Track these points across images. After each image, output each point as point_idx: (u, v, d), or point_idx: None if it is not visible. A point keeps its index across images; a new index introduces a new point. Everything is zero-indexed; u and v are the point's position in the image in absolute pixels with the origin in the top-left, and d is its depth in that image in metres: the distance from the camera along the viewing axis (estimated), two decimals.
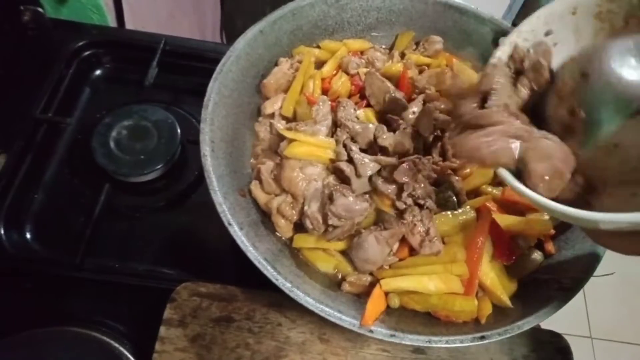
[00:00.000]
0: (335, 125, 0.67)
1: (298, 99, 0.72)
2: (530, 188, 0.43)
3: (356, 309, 0.57)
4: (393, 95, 0.69)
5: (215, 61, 0.67)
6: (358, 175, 0.62)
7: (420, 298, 0.60)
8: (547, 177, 0.43)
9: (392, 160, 0.61)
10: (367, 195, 0.63)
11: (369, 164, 0.62)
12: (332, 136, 0.67)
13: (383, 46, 0.84)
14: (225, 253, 0.79)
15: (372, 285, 0.61)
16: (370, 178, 0.63)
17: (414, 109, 0.68)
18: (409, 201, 0.60)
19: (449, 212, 0.63)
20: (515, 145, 0.44)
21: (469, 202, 0.65)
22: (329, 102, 0.70)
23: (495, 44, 0.80)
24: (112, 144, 0.83)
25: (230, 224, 0.57)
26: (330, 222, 0.59)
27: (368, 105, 0.72)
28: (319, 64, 0.78)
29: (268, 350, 0.66)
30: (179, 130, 0.86)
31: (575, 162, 0.44)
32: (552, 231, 0.66)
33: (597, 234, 0.46)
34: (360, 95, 0.74)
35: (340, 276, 0.64)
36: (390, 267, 0.62)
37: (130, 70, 0.96)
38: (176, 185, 0.86)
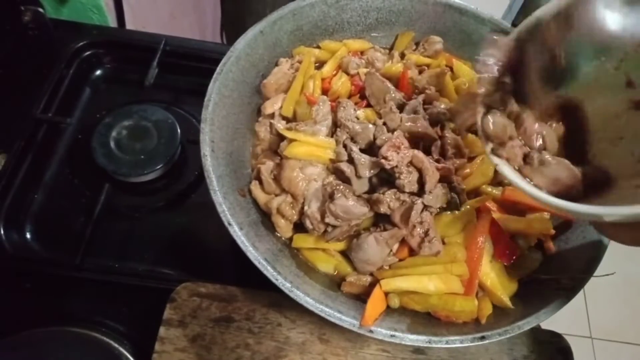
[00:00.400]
0: (335, 125, 0.67)
1: (298, 99, 0.72)
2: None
3: (356, 309, 0.57)
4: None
5: (215, 61, 0.67)
6: (358, 176, 0.62)
7: (420, 298, 0.59)
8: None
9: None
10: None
11: (368, 165, 0.62)
12: (332, 136, 0.67)
13: (383, 46, 0.84)
14: (225, 253, 0.79)
15: (372, 285, 0.60)
16: (370, 179, 0.63)
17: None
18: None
19: (449, 212, 0.63)
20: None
21: (469, 202, 0.65)
22: (329, 102, 0.70)
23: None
24: (112, 144, 0.83)
25: (230, 224, 0.57)
26: (327, 220, 0.59)
27: (368, 105, 0.72)
28: (319, 64, 0.78)
29: (268, 351, 0.66)
30: (179, 130, 0.86)
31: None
32: (552, 231, 0.66)
33: (602, 225, 0.47)
34: (360, 95, 0.74)
35: (340, 276, 0.64)
36: (390, 267, 0.62)
37: (130, 70, 0.96)
38: (176, 185, 0.86)
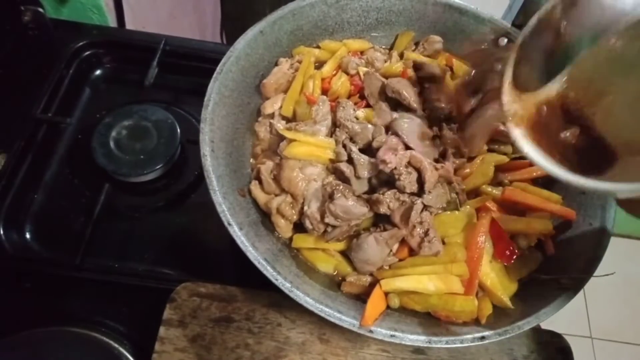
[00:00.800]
0: (335, 125, 0.67)
1: (298, 99, 0.72)
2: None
3: (356, 309, 0.57)
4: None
5: (215, 61, 0.67)
6: (357, 176, 0.62)
7: (420, 298, 0.59)
8: None
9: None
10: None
11: (367, 165, 0.62)
12: (331, 136, 0.67)
13: (383, 46, 0.84)
14: (225, 253, 0.79)
15: (372, 285, 0.60)
16: (370, 179, 0.63)
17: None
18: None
19: (449, 212, 0.63)
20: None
21: (469, 202, 0.65)
22: (329, 102, 0.70)
23: (496, 44, 0.80)
24: (112, 144, 0.83)
25: (230, 224, 0.57)
26: (326, 220, 0.59)
27: (367, 105, 0.72)
28: (319, 64, 0.78)
29: (268, 351, 0.66)
30: (179, 130, 0.86)
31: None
32: (552, 231, 0.66)
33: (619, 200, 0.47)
34: (360, 95, 0.74)
35: (340, 276, 0.64)
36: (390, 267, 0.62)
37: (130, 70, 0.96)
38: (176, 185, 0.86)
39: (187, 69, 0.97)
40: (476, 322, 0.59)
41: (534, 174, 0.71)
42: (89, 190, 0.82)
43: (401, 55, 0.82)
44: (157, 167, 0.83)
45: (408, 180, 0.59)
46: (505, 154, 0.72)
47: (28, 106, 0.85)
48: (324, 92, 0.74)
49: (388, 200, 0.59)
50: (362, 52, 0.82)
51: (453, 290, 0.59)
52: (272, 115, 0.72)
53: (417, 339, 0.55)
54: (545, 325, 0.66)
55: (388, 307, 0.60)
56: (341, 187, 0.61)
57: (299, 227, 0.65)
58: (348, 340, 0.68)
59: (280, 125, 0.70)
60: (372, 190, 0.63)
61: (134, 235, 0.80)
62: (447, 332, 0.57)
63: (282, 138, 0.67)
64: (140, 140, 0.84)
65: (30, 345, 0.67)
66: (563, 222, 0.68)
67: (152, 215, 0.83)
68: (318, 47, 0.80)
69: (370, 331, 0.55)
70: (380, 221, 0.62)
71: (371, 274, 0.62)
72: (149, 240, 0.80)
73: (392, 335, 0.55)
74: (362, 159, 0.62)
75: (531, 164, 0.72)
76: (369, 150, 0.65)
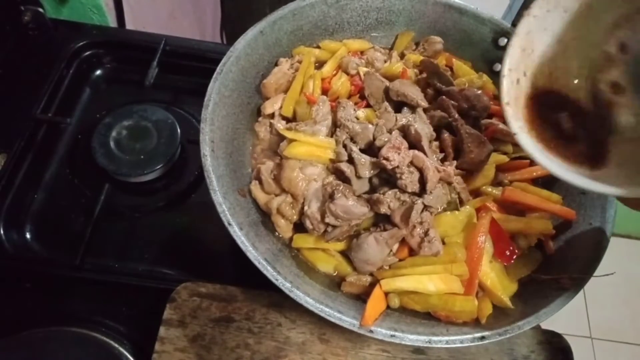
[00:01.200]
0: (335, 125, 0.67)
1: (298, 99, 0.72)
2: None
3: (356, 309, 0.57)
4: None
5: (215, 61, 0.67)
6: (358, 176, 0.62)
7: (420, 298, 0.59)
8: None
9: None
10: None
11: (368, 165, 0.62)
12: (331, 136, 0.67)
13: (383, 46, 0.84)
14: (225, 253, 0.79)
15: (372, 285, 0.60)
16: (370, 179, 0.63)
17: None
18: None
19: (449, 212, 0.63)
20: None
21: (469, 202, 0.65)
22: (329, 102, 0.70)
23: (496, 44, 0.80)
24: (112, 144, 0.83)
25: (230, 224, 0.57)
26: (327, 220, 0.59)
27: (368, 105, 0.72)
28: (319, 64, 0.78)
29: (268, 351, 0.66)
30: (179, 130, 0.86)
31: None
32: (552, 231, 0.66)
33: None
34: (360, 95, 0.74)
35: (340, 276, 0.64)
36: (390, 267, 0.62)
37: (130, 70, 0.96)
38: (176, 185, 0.86)
39: (187, 69, 0.97)
40: (476, 322, 0.59)
41: (534, 174, 0.71)
42: (89, 190, 0.82)
43: (401, 56, 0.82)
44: (157, 167, 0.83)
45: (410, 180, 0.59)
46: (505, 153, 0.72)
47: (28, 106, 0.85)
48: (324, 92, 0.74)
49: (389, 200, 0.59)
50: (362, 52, 0.82)
51: (453, 290, 0.59)
52: (272, 115, 0.72)
53: (417, 339, 0.55)
54: (545, 325, 0.66)
55: (388, 307, 0.60)
56: (341, 187, 0.61)
57: (299, 227, 0.65)
58: (348, 340, 0.68)
59: (280, 125, 0.70)
60: (372, 190, 0.63)
61: (134, 235, 0.80)
62: (447, 332, 0.57)
63: (282, 138, 0.67)
64: (140, 140, 0.84)
65: (30, 345, 0.67)
66: (563, 222, 0.68)
67: (152, 215, 0.83)
68: (318, 47, 0.80)
69: (371, 331, 0.55)
70: (381, 221, 0.62)
71: (371, 274, 0.62)
72: (149, 240, 0.80)
73: (392, 335, 0.55)
74: (362, 159, 0.62)
75: (531, 164, 0.72)
76: (369, 150, 0.65)
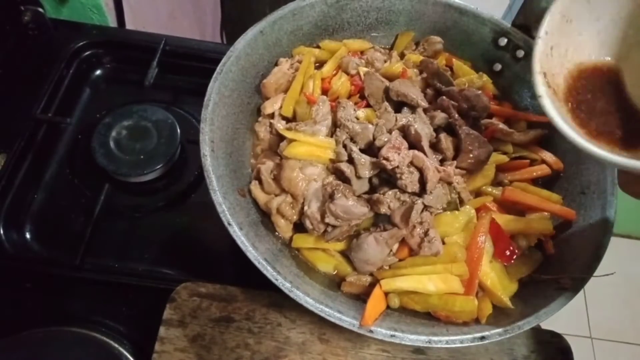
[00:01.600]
0: (335, 125, 0.67)
1: (298, 99, 0.72)
2: None
3: (356, 309, 0.57)
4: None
5: (215, 61, 0.67)
6: (358, 176, 0.62)
7: (420, 298, 0.59)
8: None
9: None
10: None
11: (368, 165, 0.62)
12: (331, 136, 0.67)
13: (383, 46, 0.84)
14: (225, 253, 0.79)
15: (372, 285, 0.60)
16: (370, 179, 0.63)
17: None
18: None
19: (449, 212, 0.63)
20: None
21: (469, 202, 0.65)
22: (329, 102, 0.70)
23: (496, 44, 0.80)
24: (112, 144, 0.83)
25: (230, 224, 0.57)
26: (327, 220, 0.59)
27: (368, 105, 0.72)
28: (319, 64, 0.78)
29: (268, 351, 0.66)
30: (178, 130, 0.86)
31: None
32: (552, 231, 0.66)
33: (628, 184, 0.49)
34: (360, 95, 0.74)
35: (340, 276, 0.64)
36: (390, 267, 0.62)
37: (130, 70, 0.96)
38: (176, 185, 0.86)
39: (187, 69, 0.97)
40: (476, 322, 0.59)
41: (534, 174, 0.71)
42: (89, 190, 0.82)
43: (401, 56, 0.82)
44: (157, 167, 0.83)
45: (410, 180, 0.59)
46: (505, 153, 0.72)
47: (28, 106, 0.85)
48: (324, 92, 0.74)
49: (389, 201, 0.59)
50: (362, 52, 0.81)
51: (453, 290, 0.59)
52: (272, 115, 0.72)
53: (417, 339, 0.55)
54: (545, 325, 0.66)
55: (388, 307, 0.60)
56: (341, 187, 0.61)
57: (299, 227, 0.65)
58: (348, 340, 0.68)
59: (280, 125, 0.70)
60: (372, 190, 0.63)
61: (134, 235, 0.80)
62: (447, 332, 0.57)
63: (282, 138, 0.67)
64: (140, 140, 0.84)
65: (30, 345, 0.67)
66: (563, 222, 0.68)
67: (152, 215, 0.83)
68: (318, 47, 0.80)
69: (371, 331, 0.55)
70: (380, 221, 0.62)
71: (371, 274, 0.62)
72: (149, 240, 0.80)
73: (392, 335, 0.55)
74: (362, 159, 0.62)
75: (531, 164, 0.72)
76: (369, 150, 0.65)
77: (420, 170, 0.60)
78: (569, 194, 0.70)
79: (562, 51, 0.51)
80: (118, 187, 0.83)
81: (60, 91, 0.90)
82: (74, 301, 0.74)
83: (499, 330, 0.56)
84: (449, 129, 0.68)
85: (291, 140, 0.65)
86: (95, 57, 0.97)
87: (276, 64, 0.76)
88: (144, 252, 0.78)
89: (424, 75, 0.75)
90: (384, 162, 0.59)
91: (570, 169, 0.71)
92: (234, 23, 1.75)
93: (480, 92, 0.70)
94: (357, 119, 0.68)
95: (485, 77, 0.79)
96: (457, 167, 0.65)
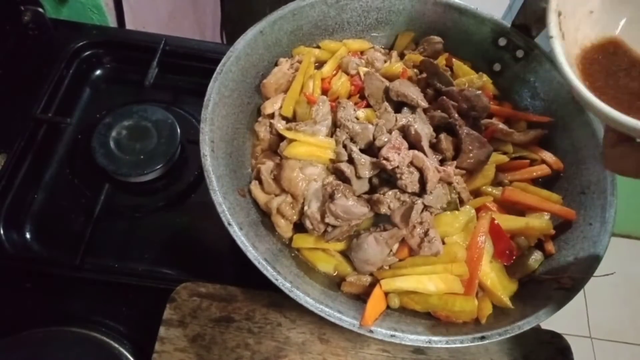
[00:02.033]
0: (335, 125, 0.67)
1: (298, 99, 0.72)
2: None
3: (356, 309, 0.57)
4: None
5: (215, 61, 0.67)
6: (358, 176, 0.62)
7: (420, 298, 0.59)
8: None
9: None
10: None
11: (368, 165, 0.62)
12: (331, 136, 0.67)
13: (383, 46, 0.84)
14: (225, 253, 0.79)
15: (372, 285, 0.60)
16: (370, 179, 0.63)
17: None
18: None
19: (449, 212, 0.63)
20: None
21: (469, 202, 0.65)
22: (329, 102, 0.70)
23: (496, 44, 0.80)
24: (112, 144, 0.83)
25: (230, 224, 0.57)
26: (327, 220, 0.59)
27: (368, 105, 0.72)
28: (319, 64, 0.78)
29: (268, 351, 0.66)
30: (178, 130, 0.86)
31: None
32: (552, 231, 0.66)
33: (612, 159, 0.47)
34: (360, 95, 0.74)
35: (340, 276, 0.64)
36: (390, 267, 0.62)
37: (130, 70, 0.96)
38: (176, 185, 0.86)
39: (187, 69, 0.97)
40: (476, 322, 0.59)
41: (534, 174, 0.71)
42: (89, 190, 0.82)
43: (401, 56, 0.82)
44: (157, 167, 0.83)
45: (410, 180, 0.59)
46: (505, 153, 0.72)
47: (28, 106, 0.85)
48: (324, 92, 0.74)
49: (389, 201, 0.59)
50: (362, 52, 0.81)
51: (453, 290, 0.59)
52: (272, 115, 0.72)
53: (417, 339, 0.55)
54: (545, 325, 0.66)
55: (388, 307, 0.60)
56: (341, 187, 0.61)
57: (299, 227, 0.65)
58: (348, 340, 0.68)
59: (280, 125, 0.70)
60: (372, 190, 0.63)
61: (134, 235, 0.80)
62: (447, 332, 0.57)
63: (282, 138, 0.67)
64: (140, 140, 0.84)
65: (30, 345, 0.67)
66: (563, 222, 0.68)
67: (152, 215, 0.83)
68: (318, 47, 0.80)
69: (371, 331, 0.55)
70: (380, 221, 0.62)
71: (371, 274, 0.62)
72: (149, 240, 0.80)
73: (392, 335, 0.55)
74: (362, 159, 0.62)
75: (531, 164, 0.72)
76: (369, 150, 0.65)
77: (420, 171, 0.60)
78: (569, 194, 0.70)
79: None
80: (118, 187, 0.83)
81: (60, 91, 0.90)
82: (74, 301, 0.74)
83: (499, 330, 0.56)
84: (449, 129, 0.68)
85: (291, 140, 0.65)
86: (95, 57, 0.97)
87: (276, 64, 0.76)
88: (144, 252, 0.78)
89: (424, 75, 0.75)
90: (384, 162, 0.59)
91: (570, 169, 0.71)
92: (234, 23, 1.75)
93: (480, 92, 0.70)
94: (357, 119, 0.68)
95: (485, 77, 0.78)
96: (457, 167, 0.65)
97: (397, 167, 0.59)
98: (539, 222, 0.65)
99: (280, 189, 0.65)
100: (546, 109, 0.77)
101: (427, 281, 0.59)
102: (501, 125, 0.73)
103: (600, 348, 1.92)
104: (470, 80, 0.77)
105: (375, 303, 0.58)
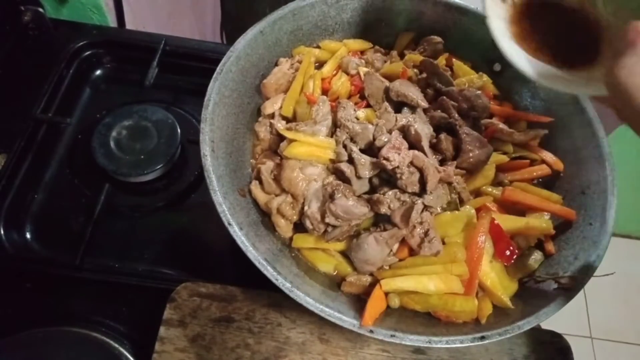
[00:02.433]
0: (335, 125, 0.67)
1: (298, 99, 0.72)
2: None
3: (356, 309, 0.57)
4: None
5: (215, 61, 0.68)
6: (358, 176, 0.62)
7: (420, 298, 0.60)
8: None
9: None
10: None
11: (368, 165, 0.62)
12: (331, 136, 0.67)
13: (383, 46, 0.84)
14: (225, 253, 0.79)
15: (372, 285, 0.61)
16: (370, 179, 0.63)
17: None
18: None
19: (449, 212, 0.63)
20: None
21: (469, 202, 0.65)
22: (329, 102, 0.70)
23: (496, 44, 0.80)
24: (112, 144, 0.83)
25: (230, 224, 0.57)
26: (327, 220, 0.59)
27: (368, 105, 0.72)
28: (319, 64, 0.78)
29: (268, 351, 0.66)
30: (179, 130, 0.86)
31: None
32: (552, 231, 0.66)
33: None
34: (360, 95, 0.74)
35: (340, 276, 0.64)
36: (390, 267, 0.62)
37: (130, 70, 0.96)
38: (176, 185, 0.86)
39: (187, 69, 0.97)
40: (476, 322, 0.60)
41: (534, 174, 0.71)
42: (89, 190, 0.82)
43: (401, 56, 0.82)
44: (157, 167, 0.83)
45: (410, 180, 0.59)
46: (505, 153, 0.72)
47: (28, 106, 0.85)
48: (324, 92, 0.74)
49: (389, 201, 0.59)
50: (362, 52, 0.82)
51: (453, 290, 0.59)
52: (272, 115, 0.72)
53: (417, 339, 0.55)
54: (545, 325, 0.66)
55: (388, 307, 0.60)
56: (342, 187, 0.61)
57: (299, 227, 0.65)
58: (348, 340, 0.68)
59: (280, 125, 0.70)
60: (372, 190, 0.63)
61: (134, 235, 0.80)
62: (447, 332, 0.57)
63: (282, 138, 0.67)
64: (140, 140, 0.84)
65: (30, 345, 0.67)
66: (563, 222, 0.68)
67: (152, 215, 0.83)
68: (318, 47, 0.80)
69: (371, 331, 0.55)
70: (381, 221, 0.62)
71: (371, 274, 0.62)
72: (149, 240, 0.80)
73: (392, 335, 0.55)
74: (362, 159, 0.62)
75: (531, 164, 0.72)
76: (369, 150, 0.65)
77: (420, 171, 0.60)
78: (569, 194, 0.70)
79: None
80: (118, 187, 0.83)
81: (60, 91, 0.90)
82: (74, 301, 0.74)
83: (499, 330, 0.56)
84: (449, 129, 0.68)
85: (291, 140, 0.65)
86: (95, 57, 0.97)
87: (276, 64, 0.76)
88: (144, 252, 0.78)
89: (424, 75, 0.75)
90: (384, 162, 0.59)
91: (570, 169, 0.71)
92: (234, 23, 1.75)
93: (480, 92, 0.70)
94: (357, 119, 0.68)
95: (485, 77, 0.79)
96: (457, 167, 0.65)
97: (397, 167, 0.59)
98: (539, 222, 0.65)
99: (280, 189, 0.65)
100: (546, 109, 0.77)
101: (427, 281, 0.59)
102: (501, 125, 0.73)
103: (600, 348, 1.92)
104: (470, 80, 0.77)
105: (376, 303, 0.58)
